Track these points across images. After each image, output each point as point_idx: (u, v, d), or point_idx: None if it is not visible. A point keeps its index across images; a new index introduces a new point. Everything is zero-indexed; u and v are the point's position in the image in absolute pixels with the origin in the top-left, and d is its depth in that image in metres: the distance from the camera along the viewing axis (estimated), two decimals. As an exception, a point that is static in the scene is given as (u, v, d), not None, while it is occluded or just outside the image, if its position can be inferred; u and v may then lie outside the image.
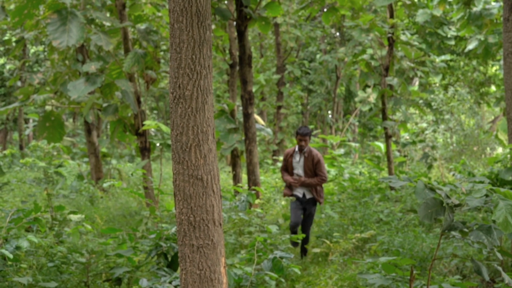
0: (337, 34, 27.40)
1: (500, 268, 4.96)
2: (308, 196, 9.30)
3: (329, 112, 28.89)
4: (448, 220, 4.76)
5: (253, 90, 22.28)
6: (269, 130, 13.58)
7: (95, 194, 13.96)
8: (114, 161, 17.07)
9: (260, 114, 26.54)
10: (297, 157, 9.22)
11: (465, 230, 4.84)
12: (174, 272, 6.28)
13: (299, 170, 9.22)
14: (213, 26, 14.89)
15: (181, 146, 3.97)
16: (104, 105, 11.63)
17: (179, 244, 4.06)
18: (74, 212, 6.95)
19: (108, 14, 12.94)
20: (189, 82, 3.94)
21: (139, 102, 11.28)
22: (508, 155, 7.81)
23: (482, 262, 7.44)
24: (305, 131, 9.10)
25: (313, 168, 9.15)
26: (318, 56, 27.48)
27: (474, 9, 14.85)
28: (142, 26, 11.90)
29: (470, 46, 16.00)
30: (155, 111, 36.84)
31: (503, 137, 16.20)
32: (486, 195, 4.85)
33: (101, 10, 12.35)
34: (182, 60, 3.94)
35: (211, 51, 4.04)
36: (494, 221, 5.12)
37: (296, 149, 9.25)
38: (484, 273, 4.87)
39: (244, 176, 15.85)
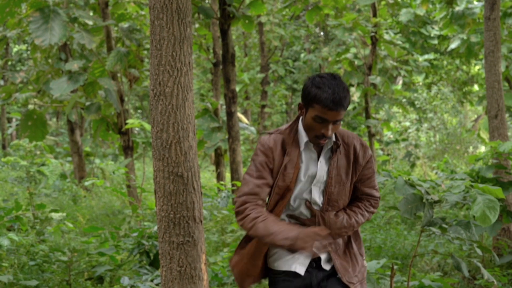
0: (321, 33, 27.46)
1: (479, 264, 5.00)
2: (338, 260, 3.60)
3: (313, 111, 28.88)
4: (427, 216, 4.80)
5: (237, 89, 22.31)
6: (252, 128, 13.60)
7: (78, 193, 13.91)
8: (97, 160, 17.02)
9: (244, 113, 26.55)
10: (310, 160, 3.53)
11: (444, 226, 4.88)
12: (156, 270, 6.28)
13: (312, 194, 3.54)
14: (196, 25, 14.88)
15: (162, 143, 3.97)
16: (87, 103, 11.59)
17: (160, 241, 4.06)
18: (55, 211, 6.93)
19: (91, 13, 12.90)
20: (169, 79, 3.94)
21: (122, 100, 11.26)
22: (489, 153, 7.86)
23: (463, 259, 7.50)
24: (342, 95, 3.31)
25: (352, 180, 3.60)
26: (302, 55, 27.51)
27: (457, 8, 14.94)
28: (125, 25, 11.88)
29: (453, 45, 16.08)
30: (139, 111, 36.75)
31: (485, 135, 16.31)
32: (465, 191, 4.90)
33: (84, 8, 12.31)
34: (162, 57, 3.94)
35: (192, 48, 4.04)
36: (474, 217, 5.17)
37: (303, 139, 3.49)
38: (464, 269, 4.91)
39: (228, 175, 15.86)
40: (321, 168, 3.51)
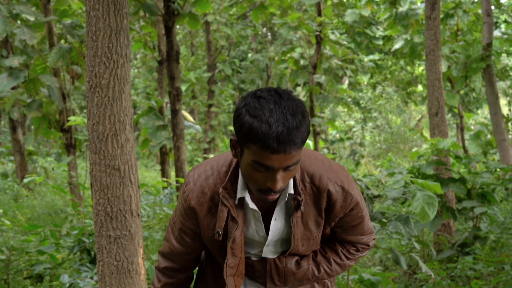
0: (269, 34, 27.55)
1: (417, 257, 5.07)
2: None
3: (261, 111, 28.94)
4: (368, 211, 4.84)
5: (184, 88, 22.22)
6: (198, 127, 13.55)
7: (20, 193, 13.66)
8: (41, 160, 16.76)
9: (191, 112, 26.44)
10: (253, 221, 2.44)
11: (384, 220, 4.93)
12: (96, 267, 6.20)
13: (264, 253, 2.54)
14: (142, 23, 14.76)
15: (98, 135, 3.91)
16: (28, 101, 11.39)
17: (96, 235, 4.00)
18: (-8, 208, 6.79)
19: (33, 9, 12.67)
20: (105, 70, 3.89)
21: (64, 97, 11.08)
22: (429, 150, 7.99)
23: (404, 254, 7.60)
24: (292, 125, 2.08)
25: (326, 228, 2.51)
26: (249, 55, 27.55)
27: (400, 9, 15.16)
28: (68, 21, 11.71)
29: (397, 45, 16.31)
30: (85, 110, 36.31)
31: (428, 134, 16.58)
32: (405, 186, 4.96)
33: (25, 4, 12.07)
34: (98, 49, 3.88)
35: (129, 40, 3.99)
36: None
37: (239, 193, 2.36)
38: (402, 262, 4.97)
39: (173, 174, 15.77)
40: (276, 228, 2.44)
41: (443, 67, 13.44)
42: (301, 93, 20.33)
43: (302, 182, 2.36)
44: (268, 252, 2.51)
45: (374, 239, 2.65)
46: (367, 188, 4.98)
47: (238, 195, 2.35)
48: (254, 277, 2.57)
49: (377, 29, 21.80)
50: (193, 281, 2.75)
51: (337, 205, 2.39)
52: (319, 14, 14.60)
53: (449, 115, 16.18)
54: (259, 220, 2.42)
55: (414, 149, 21.50)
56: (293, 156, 2.12)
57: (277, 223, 2.42)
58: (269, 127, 2.06)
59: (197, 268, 2.75)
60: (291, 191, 2.34)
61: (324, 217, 2.43)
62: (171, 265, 2.62)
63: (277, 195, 2.24)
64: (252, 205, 2.37)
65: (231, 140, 2.25)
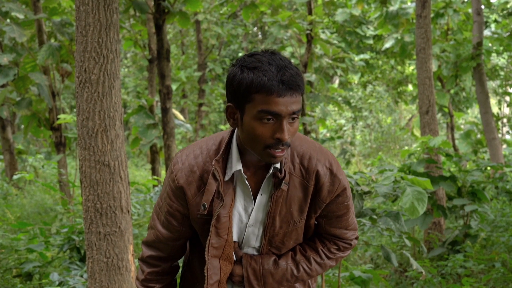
0: (259, 33, 27.54)
1: (408, 254, 5.07)
2: None
3: (251, 110, 28.95)
4: (357, 207, 4.83)
5: (174, 87, 22.19)
6: (188, 125, 13.51)
7: (9, 192, 13.59)
8: (30, 157, 16.67)
9: (182, 111, 26.40)
10: (243, 196, 2.39)
11: (374, 217, 4.92)
12: (86, 265, 6.16)
13: (246, 236, 2.46)
14: (132, 21, 14.71)
15: (87, 131, 3.89)
16: (18, 99, 11.33)
17: (86, 232, 3.97)
18: (-19, 205, 6.75)
19: (23, 7, 12.61)
20: (95, 66, 3.86)
21: (54, 95, 11.03)
22: (420, 148, 7.99)
23: (395, 251, 7.61)
24: (293, 72, 2.16)
25: (311, 216, 2.45)
26: (240, 54, 27.53)
27: (391, 8, 15.17)
28: (57, 19, 11.65)
29: (387, 44, 16.33)
30: (75, 109, 36.21)
31: (419, 133, 16.61)
32: (395, 183, 4.95)
33: (15, 2, 12.02)
34: (88, 44, 3.86)
35: (119, 35, 3.97)
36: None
37: (234, 166, 2.32)
38: (393, 259, 4.97)
39: (163, 172, 15.74)
40: (260, 204, 2.40)
41: (434, 66, 13.46)
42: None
43: (292, 162, 2.34)
44: (251, 234, 2.45)
45: (356, 238, 2.60)
46: (357, 184, 4.97)
47: (233, 169, 2.31)
48: (234, 282, 2.52)
49: (368, 28, 21.81)
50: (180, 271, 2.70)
51: (324, 188, 2.36)
52: (310, 13, 14.60)
53: (439, 114, 16.22)
54: (249, 196, 2.38)
55: (405, 147, 21.54)
56: (298, 101, 2.16)
57: (262, 198, 2.38)
58: (271, 72, 2.12)
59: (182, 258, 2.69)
60: (277, 165, 2.30)
61: (309, 203, 2.40)
62: (156, 254, 2.54)
63: (285, 152, 2.21)
64: (245, 178, 2.34)
65: (227, 108, 2.24)
